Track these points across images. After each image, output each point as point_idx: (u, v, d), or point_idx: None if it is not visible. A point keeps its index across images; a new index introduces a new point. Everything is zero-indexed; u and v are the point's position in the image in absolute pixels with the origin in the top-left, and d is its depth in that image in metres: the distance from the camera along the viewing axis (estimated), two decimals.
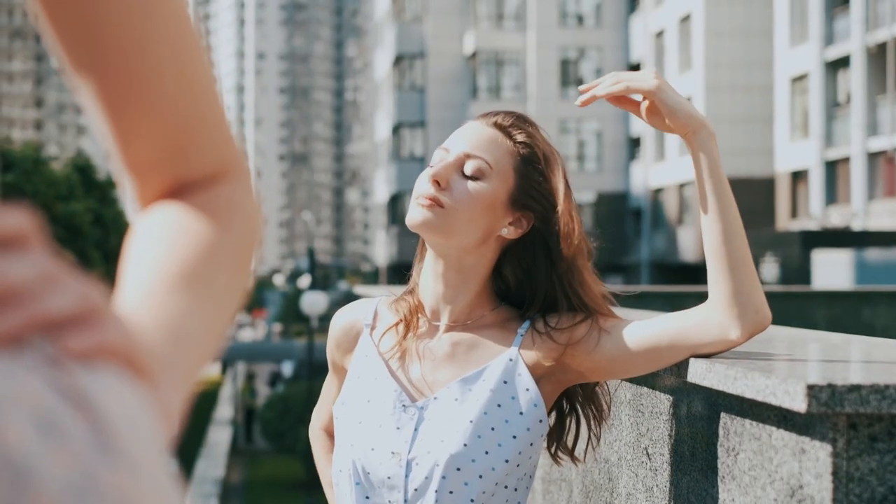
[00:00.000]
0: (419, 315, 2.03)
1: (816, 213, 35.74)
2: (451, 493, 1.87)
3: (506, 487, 1.90)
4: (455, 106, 48.08)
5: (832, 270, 23.32)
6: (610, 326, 1.94)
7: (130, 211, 0.88)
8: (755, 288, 1.87)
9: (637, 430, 2.32)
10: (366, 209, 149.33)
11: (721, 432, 1.88)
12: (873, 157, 33.52)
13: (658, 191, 43.82)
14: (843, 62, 35.12)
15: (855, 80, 33.79)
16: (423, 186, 1.95)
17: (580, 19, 46.98)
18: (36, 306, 0.67)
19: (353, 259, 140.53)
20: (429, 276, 2.02)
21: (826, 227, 33.10)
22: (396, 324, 2.03)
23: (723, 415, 1.88)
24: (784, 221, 37.29)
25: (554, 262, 1.97)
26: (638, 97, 2.00)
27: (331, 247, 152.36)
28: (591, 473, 2.64)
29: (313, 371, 24.82)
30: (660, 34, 43.74)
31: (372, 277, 77.97)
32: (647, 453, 2.26)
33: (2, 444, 0.62)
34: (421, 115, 48.95)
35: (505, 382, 1.94)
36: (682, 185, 40.86)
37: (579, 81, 46.48)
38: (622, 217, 45.86)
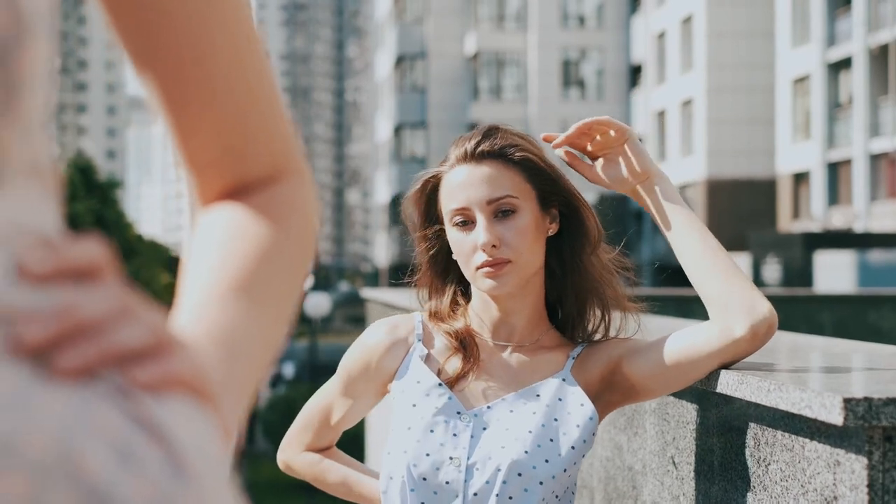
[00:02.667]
0: (473, 336, 2.05)
1: (818, 215, 35.74)
2: (510, 498, 1.89)
3: (556, 497, 1.93)
4: (456, 107, 48.10)
5: (835, 272, 23.31)
6: (643, 345, 1.99)
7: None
8: (745, 288, 1.92)
9: (662, 438, 2.34)
10: (366, 210, 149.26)
11: (751, 442, 1.90)
12: (875, 158, 33.53)
13: None
14: (844, 63, 35.13)
15: (857, 81, 33.79)
16: (478, 258, 1.96)
17: (581, 20, 46.98)
18: (109, 339, 0.69)
19: (354, 260, 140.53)
20: (481, 297, 2.05)
21: (828, 229, 33.10)
22: (456, 349, 2.04)
23: (753, 425, 1.89)
24: (786, 223, 37.29)
25: (586, 240, 2.02)
26: (589, 161, 2.09)
27: (331, 247, 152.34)
28: (614, 481, 2.65)
29: (315, 372, 24.80)
30: (661, 35, 43.73)
31: (372, 278, 77.99)
32: (674, 462, 2.27)
33: (85, 473, 0.64)
34: (422, 115, 48.96)
35: (560, 399, 1.99)
36: (683, 187, 40.85)
37: (581, 82, 46.53)
38: (624, 219, 45.85)
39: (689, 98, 41.27)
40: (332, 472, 2.20)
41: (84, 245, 0.71)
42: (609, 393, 2.02)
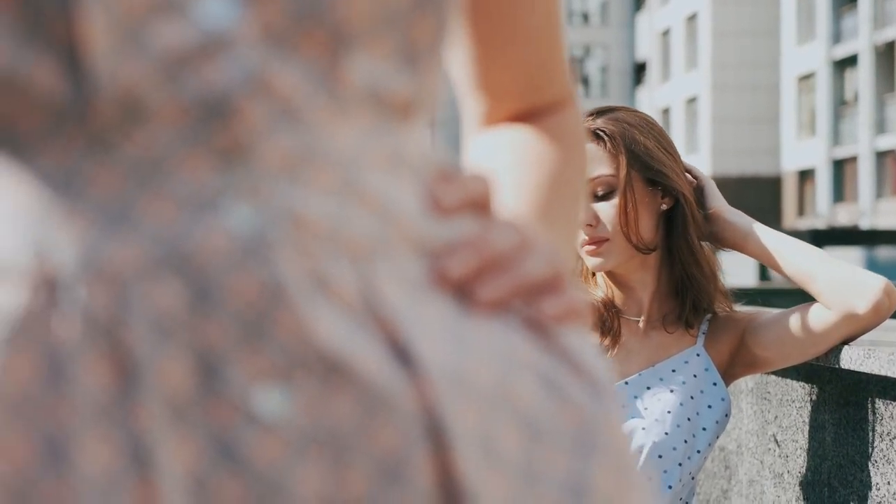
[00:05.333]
0: (616, 310, 2.08)
1: (824, 212, 35.76)
2: (649, 479, 1.90)
3: (691, 478, 1.95)
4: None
5: None
6: (768, 319, 2.03)
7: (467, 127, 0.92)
8: (851, 270, 1.96)
9: (762, 417, 2.35)
10: None
11: (874, 416, 1.91)
12: (881, 155, 33.54)
13: None
14: (850, 61, 35.13)
15: (862, 78, 33.79)
16: (581, 235, 2.00)
17: (585, 17, 46.99)
18: (518, 272, 0.70)
19: None
20: (605, 275, 2.09)
21: (833, 226, 33.09)
22: (596, 323, 2.08)
23: (876, 399, 1.91)
24: (791, 220, 37.29)
25: (692, 225, 2.04)
26: None
27: None
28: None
29: None
30: (666, 33, 43.73)
31: None
32: (776, 440, 2.28)
33: (522, 404, 0.66)
34: None
35: (695, 376, 2.01)
36: None
37: (585, 79, 46.47)
38: None
39: (693, 96, 41.28)
40: None
41: (475, 178, 0.73)
42: (733, 367, 2.06)
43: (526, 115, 0.90)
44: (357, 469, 0.64)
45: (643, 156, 2.01)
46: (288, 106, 0.66)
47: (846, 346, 1.92)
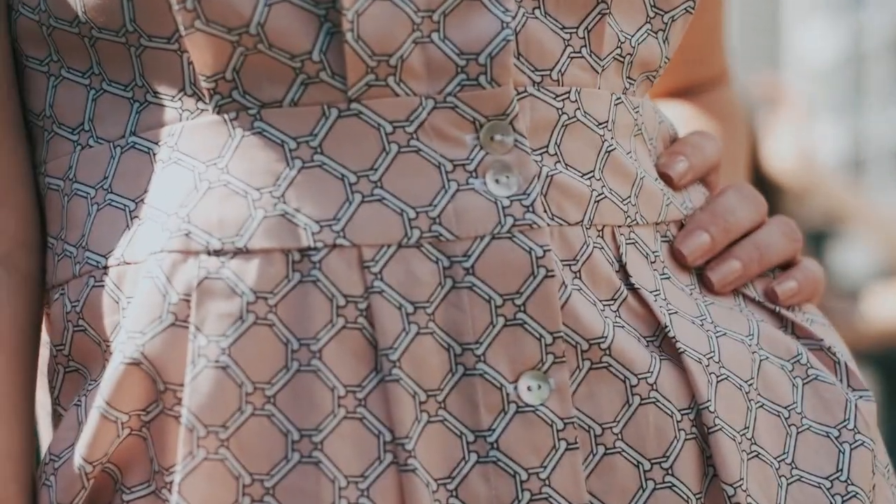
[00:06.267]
0: None
1: None
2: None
3: None
4: None
5: None
6: None
7: None
8: None
9: None
10: None
11: None
12: None
13: None
14: None
15: None
16: None
17: None
18: (756, 248, 0.69)
19: None
20: None
21: None
22: None
23: None
24: None
25: None
26: None
27: None
28: None
29: None
30: None
31: None
32: None
33: (775, 393, 0.66)
34: None
35: None
36: None
37: None
38: None
39: None
40: None
41: (704, 142, 0.71)
42: None
43: (686, 90, 0.88)
44: (620, 458, 0.62)
45: None
46: (548, 67, 0.63)
47: None
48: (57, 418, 0.69)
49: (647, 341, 0.65)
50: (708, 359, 0.65)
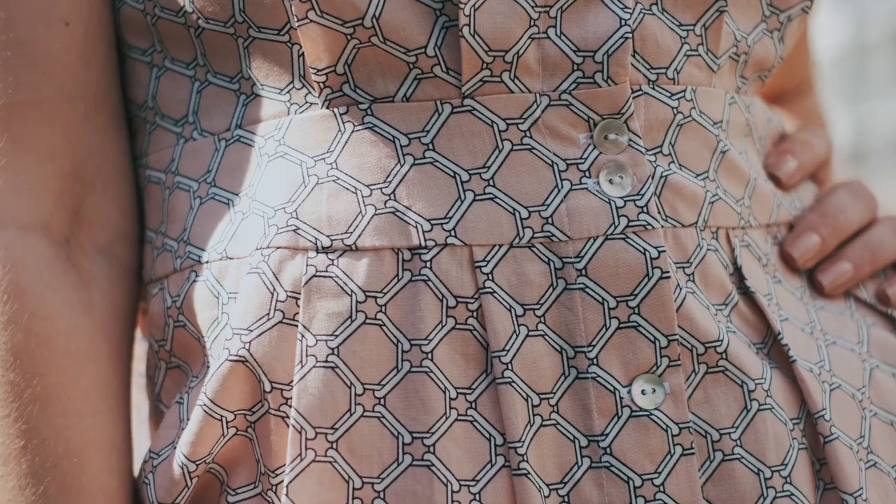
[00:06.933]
0: None
1: None
2: None
3: None
4: None
5: None
6: None
7: None
8: None
9: None
10: None
11: None
12: None
13: None
14: None
15: None
16: None
17: None
18: (866, 248, 0.68)
19: None
20: None
21: None
22: None
23: None
24: None
25: None
26: None
27: None
28: None
29: None
30: None
31: None
32: None
33: (886, 400, 0.65)
34: None
35: None
36: None
37: None
38: None
39: None
40: None
41: (812, 139, 0.70)
42: None
43: (776, 96, 0.88)
44: (740, 465, 0.61)
45: None
46: (664, 65, 0.62)
47: None
48: (158, 415, 0.68)
49: (757, 348, 0.64)
50: (819, 367, 0.64)
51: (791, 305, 0.66)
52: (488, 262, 0.61)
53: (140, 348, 0.73)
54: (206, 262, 0.64)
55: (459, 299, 0.61)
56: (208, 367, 0.64)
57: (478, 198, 0.61)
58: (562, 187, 0.61)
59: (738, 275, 0.64)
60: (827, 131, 0.86)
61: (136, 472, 0.68)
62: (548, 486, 0.60)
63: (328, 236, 0.61)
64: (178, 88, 0.67)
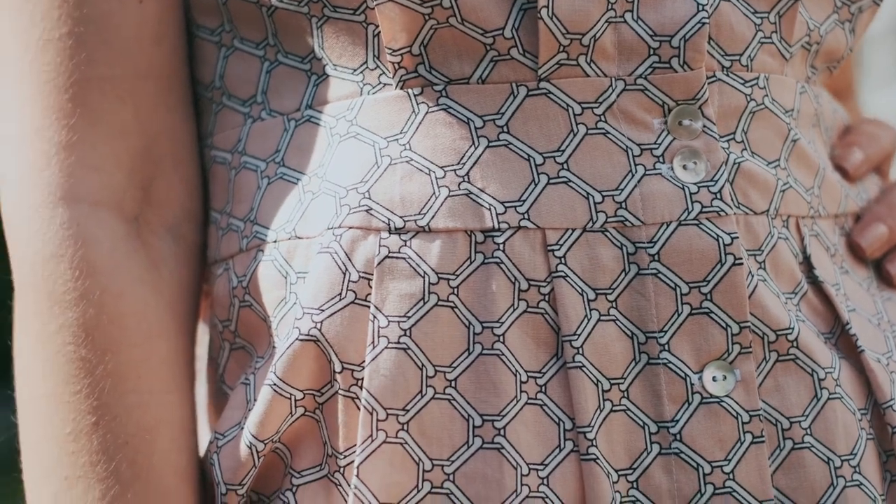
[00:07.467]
0: None
1: None
2: None
3: None
4: None
5: None
6: None
7: None
8: None
9: None
10: None
11: None
12: None
13: None
14: None
15: None
16: None
17: None
18: None
19: None
20: None
21: None
22: None
23: None
24: None
25: None
26: None
27: None
28: None
29: None
30: None
31: None
32: None
33: None
34: None
35: None
36: None
37: None
38: None
39: None
40: None
41: (883, 133, 0.70)
42: None
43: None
44: (810, 454, 0.61)
45: None
46: (738, 52, 0.62)
47: None
48: (220, 397, 0.68)
49: (825, 338, 0.64)
50: (887, 358, 0.64)
51: (858, 296, 0.66)
52: (561, 245, 0.61)
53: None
54: (274, 242, 0.64)
55: (532, 282, 0.61)
56: (274, 347, 0.63)
57: (552, 181, 0.61)
58: (636, 172, 0.61)
59: (807, 264, 0.64)
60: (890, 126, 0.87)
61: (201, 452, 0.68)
62: (616, 471, 0.60)
63: (401, 217, 0.61)
64: (246, 68, 0.67)
